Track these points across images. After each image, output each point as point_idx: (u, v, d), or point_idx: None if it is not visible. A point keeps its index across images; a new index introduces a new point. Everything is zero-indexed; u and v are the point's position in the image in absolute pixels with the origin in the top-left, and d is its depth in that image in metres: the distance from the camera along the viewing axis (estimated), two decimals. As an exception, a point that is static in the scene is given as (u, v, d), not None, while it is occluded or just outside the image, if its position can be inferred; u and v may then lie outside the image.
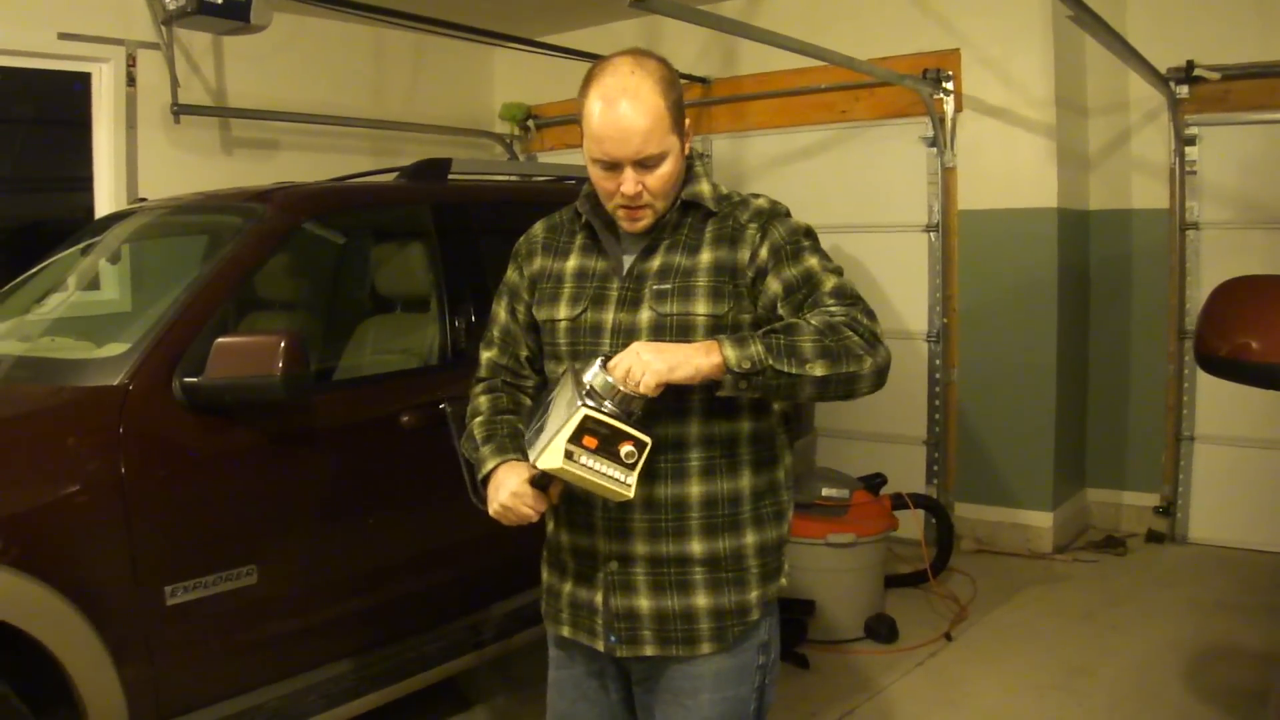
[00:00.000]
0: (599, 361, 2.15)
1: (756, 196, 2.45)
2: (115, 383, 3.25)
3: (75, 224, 5.68)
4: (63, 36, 6.02)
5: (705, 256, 2.35)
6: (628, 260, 2.41)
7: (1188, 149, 6.57)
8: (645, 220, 2.35)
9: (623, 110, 2.25)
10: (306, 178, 5.23)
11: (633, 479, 2.15)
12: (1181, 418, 6.73)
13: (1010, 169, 6.58)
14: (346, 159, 7.14)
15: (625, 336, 2.32)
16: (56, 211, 6.63)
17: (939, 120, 6.65)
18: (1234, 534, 6.56)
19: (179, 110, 6.43)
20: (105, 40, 6.19)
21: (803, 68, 6.74)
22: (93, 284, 5.07)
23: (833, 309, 2.23)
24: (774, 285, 2.30)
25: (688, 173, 2.43)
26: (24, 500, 2.99)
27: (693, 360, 2.12)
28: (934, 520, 6.19)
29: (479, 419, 2.54)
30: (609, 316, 2.38)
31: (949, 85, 6.60)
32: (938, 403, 6.95)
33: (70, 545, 3.04)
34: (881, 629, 5.27)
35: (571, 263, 2.48)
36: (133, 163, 6.35)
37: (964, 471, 6.91)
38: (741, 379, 2.13)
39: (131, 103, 6.33)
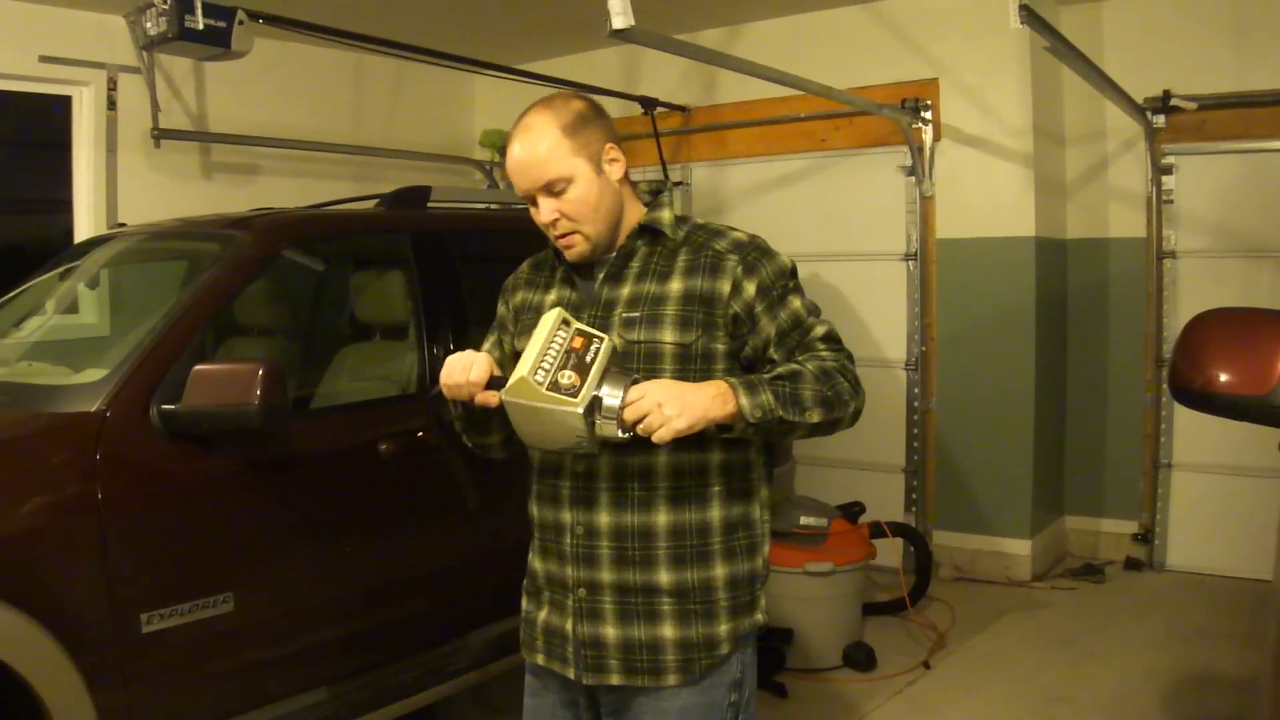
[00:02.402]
0: (628, 382, 2.17)
1: (732, 229, 2.48)
2: (93, 409, 3.24)
3: (54, 246, 5.68)
4: (44, 59, 6.04)
5: (675, 285, 2.39)
6: (605, 292, 2.44)
7: (1164, 178, 6.62)
8: (579, 247, 2.40)
9: (516, 148, 2.37)
10: (286, 203, 5.24)
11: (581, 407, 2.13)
12: (1159, 445, 6.76)
13: (988, 198, 6.62)
14: (327, 184, 7.16)
15: None
16: (36, 233, 6.62)
17: (917, 149, 6.69)
18: (1212, 561, 6.58)
19: (159, 134, 6.43)
20: (86, 64, 6.20)
21: (783, 96, 6.79)
22: (71, 309, 5.07)
23: (824, 354, 2.36)
24: (767, 328, 2.37)
25: (653, 200, 2.50)
26: (1, 528, 2.97)
27: (709, 414, 2.17)
28: (912, 548, 6.20)
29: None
30: None
31: (927, 114, 6.66)
32: (916, 431, 6.96)
33: (46, 571, 3.03)
34: (860, 657, 5.26)
35: (551, 296, 2.53)
36: (112, 186, 6.34)
37: (943, 499, 6.92)
38: (750, 425, 2.21)
39: (112, 126, 6.33)
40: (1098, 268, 6.96)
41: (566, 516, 2.43)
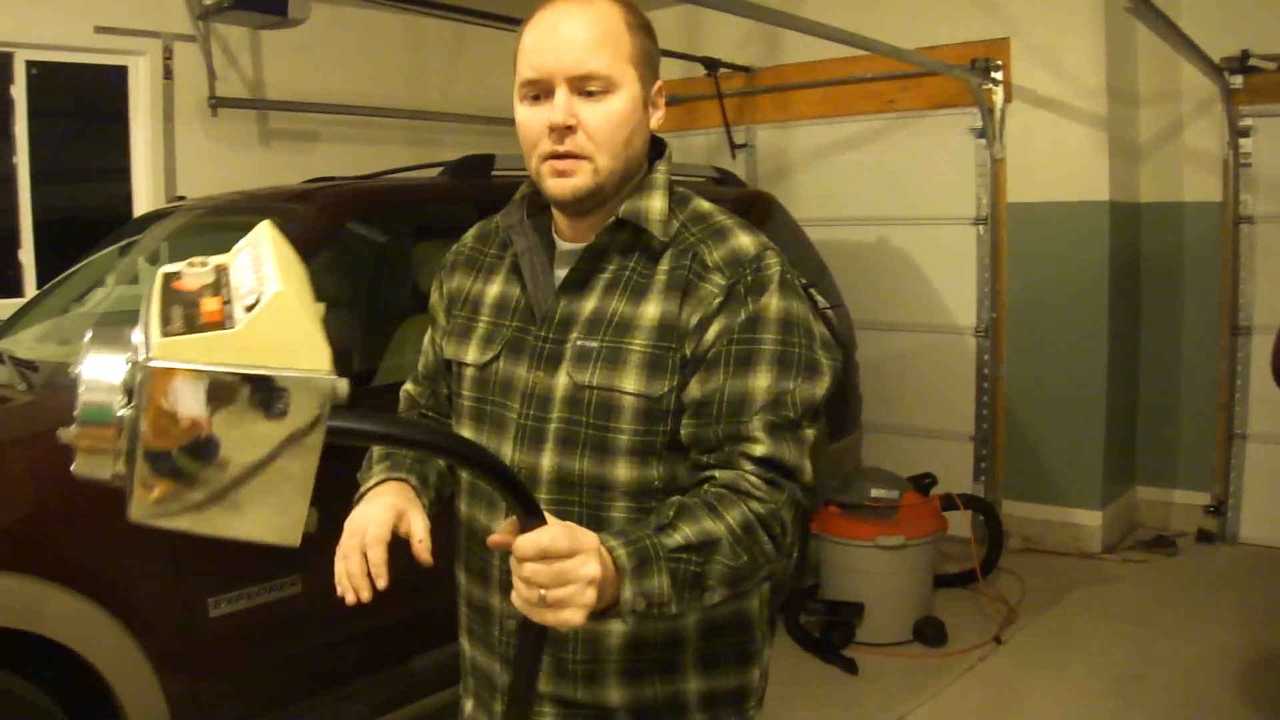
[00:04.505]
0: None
1: (742, 230, 1.73)
2: (157, 390, 3.19)
3: (114, 214, 5.66)
4: (99, 30, 5.98)
5: (651, 309, 1.68)
6: (563, 304, 1.76)
7: (1241, 140, 6.41)
8: (577, 180, 1.67)
9: (563, 16, 1.68)
10: (344, 170, 5.18)
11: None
12: (1233, 415, 6.60)
13: (1060, 161, 6.46)
14: (385, 150, 7.09)
15: (538, 406, 1.73)
16: (96, 202, 6.61)
17: (988, 111, 6.52)
18: (1286, 534, 6.45)
19: (216, 103, 6.37)
20: (141, 33, 6.13)
21: (849, 56, 6.62)
22: (132, 283, 5.04)
23: (755, 488, 1.59)
24: (694, 390, 1.65)
25: (642, 178, 1.77)
26: (65, 514, 2.95)
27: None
28: (983, 519, 6.09)
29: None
30: (522, 373, 1.76)
31: (998, 75, 6.46)
32: (986, 399, 6.83)
33: (113, 559, 3.01)
34: (930, 632, 5.18)
35: (494, 287, 1.87)
36: (170, 156, 6.30)
37: (1012, 469, 6.80)
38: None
39: (168, 96, 6.27)
40: (1172, 233, 6.78)
41: (495, 601, 1.82)
